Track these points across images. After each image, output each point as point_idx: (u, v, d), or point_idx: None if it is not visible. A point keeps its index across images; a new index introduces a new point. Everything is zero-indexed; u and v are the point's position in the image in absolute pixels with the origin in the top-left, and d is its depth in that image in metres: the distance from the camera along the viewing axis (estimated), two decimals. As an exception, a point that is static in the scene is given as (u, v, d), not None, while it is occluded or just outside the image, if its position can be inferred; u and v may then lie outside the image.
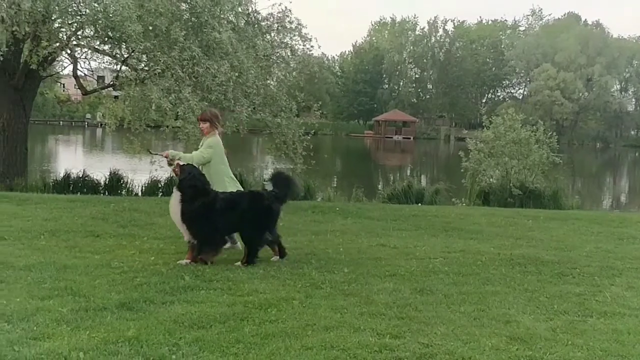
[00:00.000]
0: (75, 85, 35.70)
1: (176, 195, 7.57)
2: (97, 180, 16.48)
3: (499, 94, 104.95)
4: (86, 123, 70.22)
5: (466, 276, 7.38)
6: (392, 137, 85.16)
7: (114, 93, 18.58)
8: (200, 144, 8.48)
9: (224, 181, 8.20)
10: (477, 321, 5.67)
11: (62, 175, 16.21)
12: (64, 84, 64.52)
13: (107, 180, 16.46)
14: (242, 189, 8.61)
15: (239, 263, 7.49)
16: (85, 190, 15.92)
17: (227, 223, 7.63)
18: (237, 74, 12.84)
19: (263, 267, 7.38)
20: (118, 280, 6.41)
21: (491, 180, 18.32)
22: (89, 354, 4.44)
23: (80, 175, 16.25)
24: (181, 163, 7.70)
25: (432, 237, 10.17)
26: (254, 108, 14.16)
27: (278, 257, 7.90)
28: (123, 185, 16.67)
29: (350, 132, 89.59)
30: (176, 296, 5.99)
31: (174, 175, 7.96)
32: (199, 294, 6.10)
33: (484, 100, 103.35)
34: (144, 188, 16.78)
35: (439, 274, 7.40)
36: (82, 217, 10.17)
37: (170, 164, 7.97)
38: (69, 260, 7.22)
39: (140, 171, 18.22)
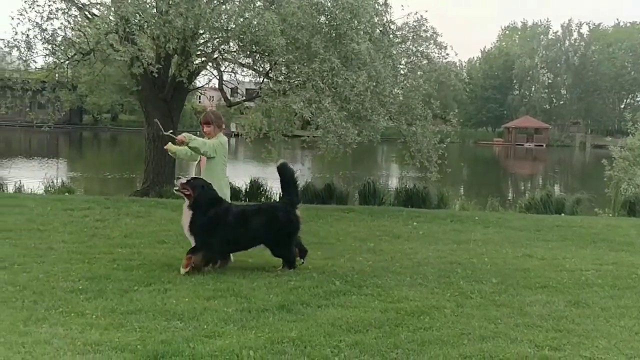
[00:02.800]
0: (210, 96, 37.13)
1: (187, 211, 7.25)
2: (237, 187, 17.22)
3: (639, 99, 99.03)
4: (220, 133, 73.23)
5: (622, 290, 7.10)
6: (522, 145, 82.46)
7: (247, 104, 19.40)
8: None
9: (220, 184, 7.72)
10: (640, 336, 5.46)
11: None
12: (200, 96, 67.63)
13: (248, 187, 17.16)
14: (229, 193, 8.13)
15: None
16: (227, 196, 16.66)
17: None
18: (374, 84, 13.00)
19: (410, 274, 7.45)
20: (274, 283, 6.71)
21: (637, 189, 17.37)
22: (258, 353, 4.69)
23: (223, 183, 17.02)
24: (184, 180, 7.28)
25: (580, 249, 9.84)
26: (390, 117, 14.29)
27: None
28: (262, 192, 17.29)
29: (478, 140, 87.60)
30: (330, 300, 6.18)
31: (182, 194, 7.29)
32: (351, 299, 6.26)
33: (622, 106, 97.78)
34: (280, 195, 17.30)
35: (592, 287, 7.16)
36: (231, 223, 10.66)
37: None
38: (225, 263, 7.65)
39: (274, 179, 18.83)
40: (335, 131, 12.73)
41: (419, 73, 15.26)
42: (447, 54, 15.39)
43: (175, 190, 7.42)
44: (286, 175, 7.92)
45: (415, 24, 15.09)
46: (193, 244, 7.23)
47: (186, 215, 7.25)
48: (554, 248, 9.80)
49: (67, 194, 14.35)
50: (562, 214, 14.90)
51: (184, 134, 7.60)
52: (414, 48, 15.27)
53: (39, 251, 7.75)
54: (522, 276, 7.60)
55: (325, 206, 14.40)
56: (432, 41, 15.25)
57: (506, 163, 61.79)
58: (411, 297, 6.41)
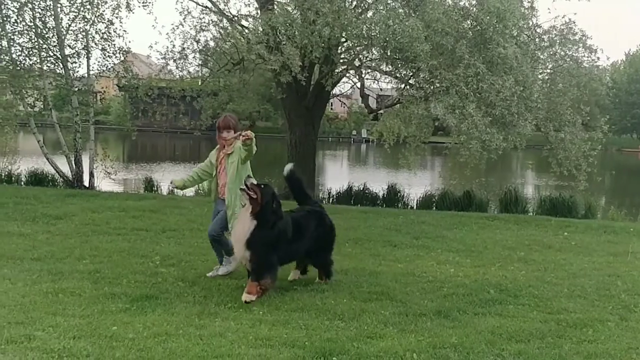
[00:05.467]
0: (342, 104, 37.93)
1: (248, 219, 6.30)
2: (375, 192, 17.43)
3: None
4: (352, 139, 73.79)
5: None
6: (672, 153, 76.82)
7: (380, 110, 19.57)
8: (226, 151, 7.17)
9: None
10: None
11: (345, 187, 17.35)
12: (332, 103, 68.65)
13: (385, 193, 17.30)
14: None
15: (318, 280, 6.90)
16: (364, 202, 16.90)
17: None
18: (521, 89, 12.67)
19: (567, 285, 7.22)
20: (427, 289, 6.75)
21: None
22: (421, 356, 4.75)
23: (361, 188, 17.32)
24: (254, 181, 6.39)
25: None
26: (536, 123, 13.86)
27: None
28: (399, 198, 17.35)
29: (622, 147, 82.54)
30: (486, 308, 6.13)
31: (247, 195, 6.31)
32: (508, 308, 6.17)
33: None
34: (418, 201, 17.32)
35: None
36: (377, 228, 10.82)
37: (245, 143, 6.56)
38: (376, 267, 7.78)
39: (408, 185, 18.84)
40: (478, 137, 12.52)
41: (566, 78, 14.71)
42: (598, 58, 14.74)
43: (241, 188, 6.39)
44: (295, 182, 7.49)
45: (563, 27, 14.58)
46: (239, 253, 6.37)
47: (244, 223, 6.32)
48: None
49: (219, 196, 15.05)
50: None
51: (248, 131, 6.61)
52: (561, 52, 14.75)
53: (202, 250, 8.23)
54: (691, 292, 7.16)
55: (466, 213, 14.20)
56: (580, 44, 14.66)
57: (652, 172, 57.78)
58: (571, 309, 6.24)
